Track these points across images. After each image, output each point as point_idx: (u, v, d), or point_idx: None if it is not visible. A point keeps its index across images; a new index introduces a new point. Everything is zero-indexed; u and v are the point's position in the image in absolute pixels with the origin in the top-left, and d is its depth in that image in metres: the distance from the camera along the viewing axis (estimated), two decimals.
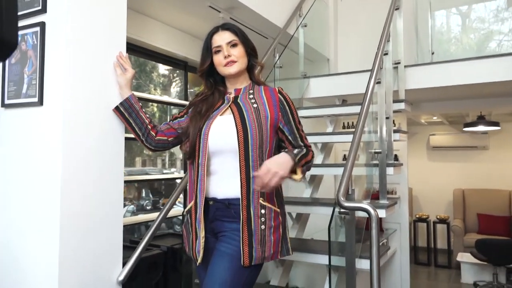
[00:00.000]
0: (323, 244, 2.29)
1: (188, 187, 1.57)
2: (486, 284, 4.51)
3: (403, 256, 3.90)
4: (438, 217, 5.86)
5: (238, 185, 1.47)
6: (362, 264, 2.08)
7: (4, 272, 1.67)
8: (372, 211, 1.54)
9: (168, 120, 1.72)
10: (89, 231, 1.63)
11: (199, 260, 1.49)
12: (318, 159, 3.20)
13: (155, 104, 4.13)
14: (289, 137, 1.53)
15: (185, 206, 1.56)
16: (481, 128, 5.07)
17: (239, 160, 1.46)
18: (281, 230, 1.53)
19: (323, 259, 2.19)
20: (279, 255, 1.51)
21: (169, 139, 1.67)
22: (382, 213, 2.37)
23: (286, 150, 1.50)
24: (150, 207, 6.20)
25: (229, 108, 1.54)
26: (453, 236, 5.52)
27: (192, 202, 1.53)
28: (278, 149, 1.56)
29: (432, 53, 3.69)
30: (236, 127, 1.48)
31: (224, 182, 1.51)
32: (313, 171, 2.98)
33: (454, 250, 5.43)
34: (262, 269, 1.55)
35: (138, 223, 3.35)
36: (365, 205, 1.56)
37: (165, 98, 3.94)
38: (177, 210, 3.39)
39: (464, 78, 3.05)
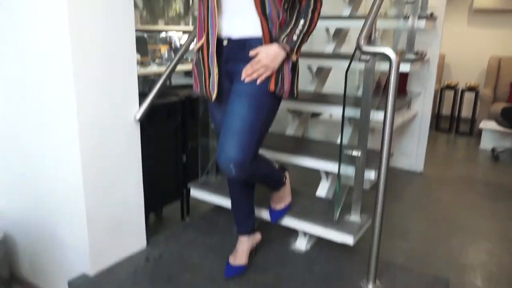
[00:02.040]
0: (341, 98, 2.28)
1: (197, 26, 1.53)
2: (505, 150, 4.58)
3: (424, 121, 3.91)
4: (468, 85, 5.70)
5: (256, 22, 1.44)
6: (379, 116, 2.10)
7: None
8: (393, 56, 1.49)
9: None
10: (104, 74, 1.66)
11: (214, 96, 1.52)
12: (346, 11, 3.01)
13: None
14: None
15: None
16: None
17: None
18: (295, 70, 1.56)
19: (340, 111, 2.21)
20: (290, 94, 1.55)
21: None
22: (406, 67, 2.30)
23: (286, 33, 1.45)
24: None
25: None
26: (480, 104, 5.44)
27: (204, 39, 1.50)
28: None
29: None
30: None
31: (238, 19, 1.46)
32: (339, 24, 2.84)
33: (478, 119, 5.41)
34: (279, 122, 1.58)
35: (158, 74, 3.39)
36: (386, 49, 1.50)
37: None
38: None
39: None
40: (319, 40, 3.08)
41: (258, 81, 1.46)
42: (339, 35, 2.99)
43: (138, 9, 4.58)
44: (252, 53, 1.46)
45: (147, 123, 2.07)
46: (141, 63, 3.70)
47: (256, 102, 1.46)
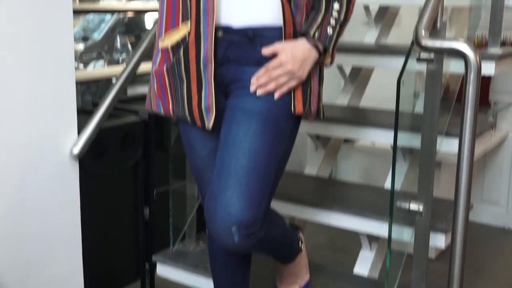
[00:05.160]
0: (389, 115, 2.28)
1: (165, 7, 1.52)
2: None
3: None
4: None
5: (273, 4, 1.47)
6: (449, 145, 2.08)
7: None
8: (471, 54, 1.47)
9: None
10: (20, 84, 1.68)
11: (211, 122, 1.52)
12: None
13: None
14: None
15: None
16: None
17: None
18: (321, 78, 1.61)
19: (386, 136, 2.20)
20: (315, 114, 1.59)
21: None
22: (489, 67, 2.29)
23: (317, 24, 1.51)
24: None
25: None
26: None
27: (188, 29, 1.49)
28: None
29: None
30: None
31: None
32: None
33: None
34: (294, 153, 1.62)
35: (106, 77, 3.43)
36: (459, 44, 1.48)
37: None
38: None
39: None
40: (355, 23, 3.11)
41: (276, 95, 1.49)
42: (384, 17, 3.00)
43: None
44: (267, 51, 1.48)
45: (90, 157, 2.08)
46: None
47: (272, 128, 1.47)
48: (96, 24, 6.64)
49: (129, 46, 6.71)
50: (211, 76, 1.49)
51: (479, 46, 3.36)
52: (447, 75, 2.29)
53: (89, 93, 5.46)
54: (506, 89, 3.78)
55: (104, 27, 6.71)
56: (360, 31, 3.04)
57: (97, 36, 6.53)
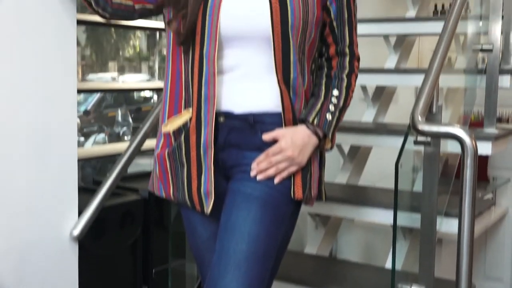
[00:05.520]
0: (388, 194, 2.29)
1: (168, 93, 1.57)
2: None
3: None
4: None
5: (273, 91, 1.50)
6: (448, 225, 2.09)
7: None
8: (467, 138, 1.51)
9: None
10: (29, 165, 1.69)
11: (210, 206, 1.52)
12: (390, 61, 3.12)
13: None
14: (334, 23, 1.56)
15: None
16: None
17: (274, 52, 1.47)
18: (323, 162, 1.62)
19: (386, 216, 2.20)
20: (316, 199, 1.59)
21: (136, 5, 1.62)
22: (486, 147, 2.33)
23: (316, 110, 1.54)
24: (129, 136, 6.41)
25: None
26: None
27: (189, 115, 1.53)
28: (320, 41, 1.59)
29: None
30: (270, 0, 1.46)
31: (246, 86, 1.52)
32: (381, 80, 2.92)
33: None
34: (297, 233, 1.61)
35: (108, 156, 3.42)
36: (455, 129, 1.52)
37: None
38: None
39: None
40: (353, 101, 3.17)
41: (276, 180, 1.50)
42: (382, 96, 3.06)
43: (78, 46, 4.75)
44: (267, 137, 1.51)
45: (89, 237, 2.04)
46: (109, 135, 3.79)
47: (271, 212, 1.47)
48: (84, 97, 6.77)
49: (130, 119, 6.78)
50: (211, 161, 1.51)
51: (476, 122, 3.42)
52: (445, 155, 2.33)
53: (89, 166, 5.47)
54: (505, 164, 3.80)
55: (91, 101, 6.83)
56: (358, 108, 3.08)
57: (84, 109, 6.65)
